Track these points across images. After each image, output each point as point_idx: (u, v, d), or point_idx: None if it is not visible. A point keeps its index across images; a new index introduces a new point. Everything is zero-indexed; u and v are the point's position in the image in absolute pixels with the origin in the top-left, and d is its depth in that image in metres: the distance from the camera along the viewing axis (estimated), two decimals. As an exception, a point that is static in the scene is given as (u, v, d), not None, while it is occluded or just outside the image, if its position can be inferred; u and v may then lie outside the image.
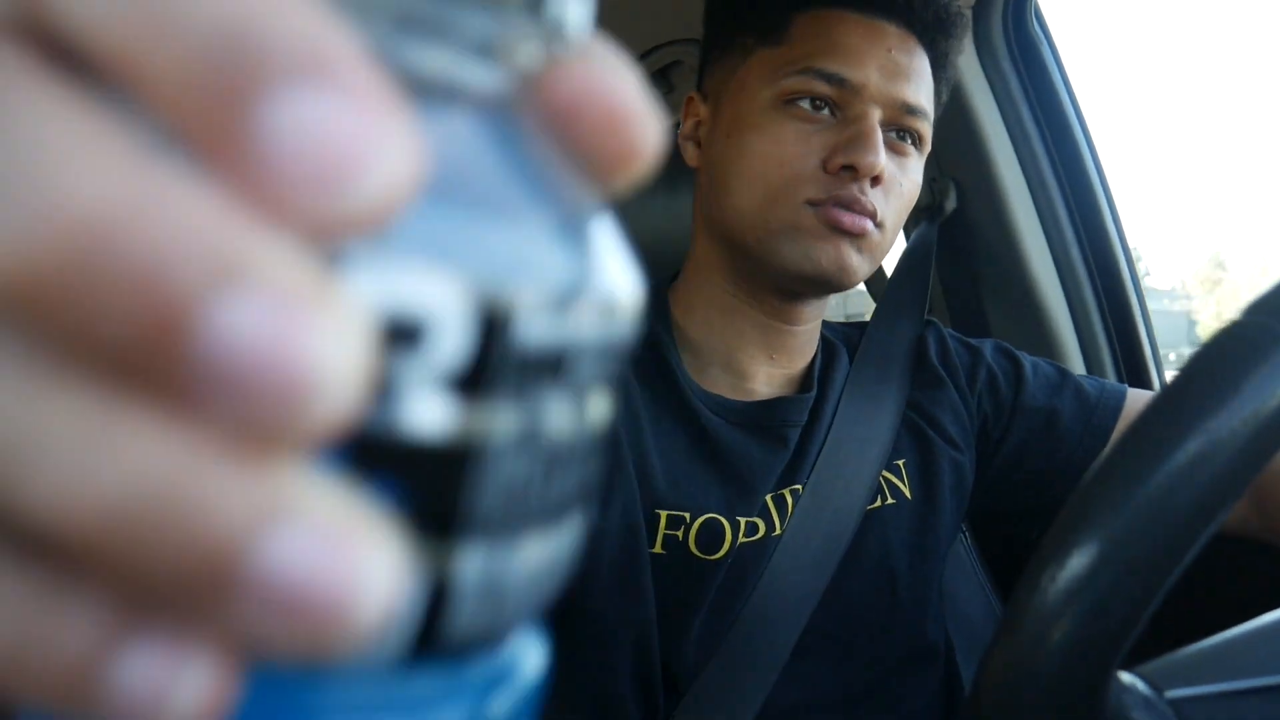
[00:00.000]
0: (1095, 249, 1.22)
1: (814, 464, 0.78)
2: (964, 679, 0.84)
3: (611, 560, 0.71)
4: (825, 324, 0.90)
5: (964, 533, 1.07)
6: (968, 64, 1.21)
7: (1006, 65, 1.21)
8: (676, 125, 0.84)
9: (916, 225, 1.25)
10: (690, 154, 0.82)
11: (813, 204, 0.73)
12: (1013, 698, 0.31)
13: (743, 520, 0.74)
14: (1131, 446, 0.31)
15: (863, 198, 0.72)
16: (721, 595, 0.73)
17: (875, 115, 0.73)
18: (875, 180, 0.73)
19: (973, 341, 0.91)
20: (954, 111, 1.23)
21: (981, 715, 0.31)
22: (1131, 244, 1.25)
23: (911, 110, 0.75)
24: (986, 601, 0.85)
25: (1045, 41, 1.21)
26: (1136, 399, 0.87)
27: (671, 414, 0.77)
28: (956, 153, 1.26)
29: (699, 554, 0.73)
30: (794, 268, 0.74)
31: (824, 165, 0.73)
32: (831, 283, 0.76)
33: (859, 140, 0.71)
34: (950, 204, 1.26)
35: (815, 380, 0.83)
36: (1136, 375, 1.21)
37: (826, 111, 0.73)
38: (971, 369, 0.88)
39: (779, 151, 0.73)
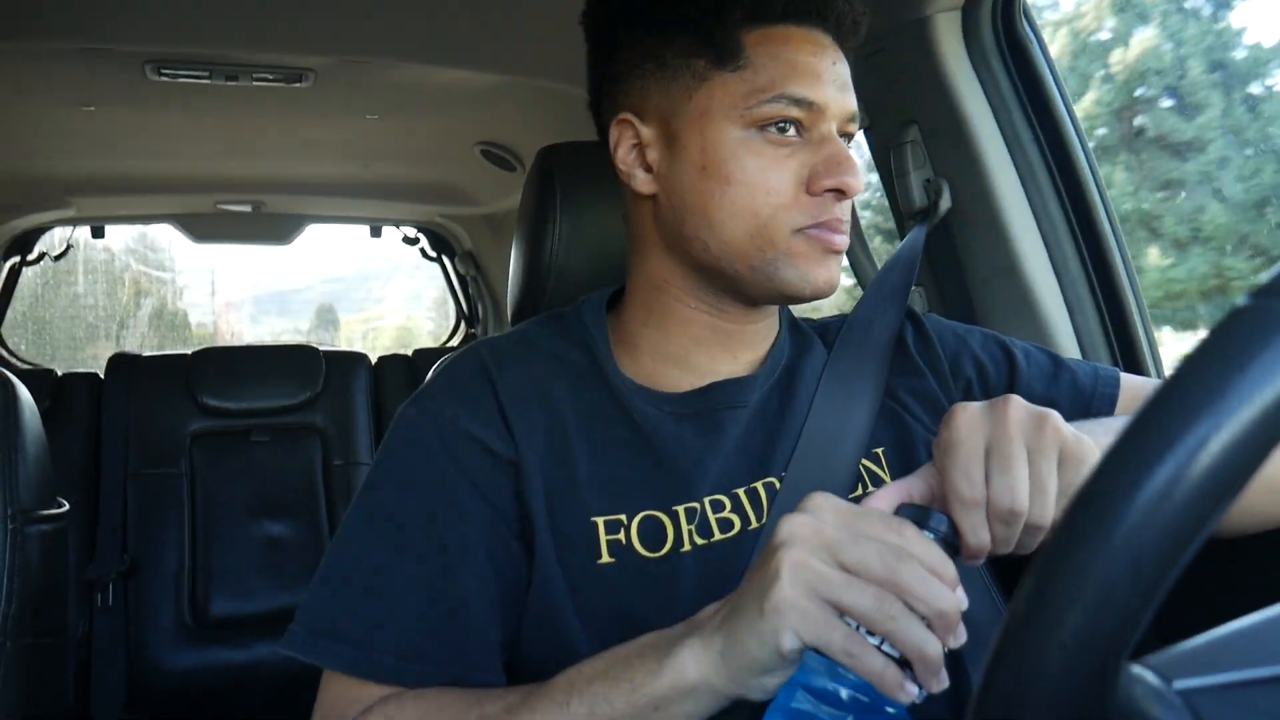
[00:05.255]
0: (1090, 247, 1.22)
1: (790, 456, 0.78)
2: (970, 678, 0.83)
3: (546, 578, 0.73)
4: (801, 319, 0.90)
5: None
6: (959, 65, 1.22)
7: (996, 65, 1.22)
8: None
9: (909, 229, 1.25)
10: (641, 181, 0.80)
11: (801, 230, 0.74)
12: (1022, 689, 0.30)
13: (681, 509, 0.74)
14: (1134, 437, 0.31)
15: (844, 216, 0.76)
16: (706, 593, 0.69)
17: (835, 131, 0.75)
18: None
19: (960, 329, 0.91)
20: (946, 112, 1.23)
21: (992, 707, 0.31)
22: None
23: (854, 118, 0.77)
24: (990, 600, 0.85)
25: (1035, 41, 1.22)
26: (1130, 384, 0.87)
27: (602, 417, 0.78)
28: (949, 153, 1.26)
29: (645, 553, 0.73)
30: (792, 290, 0.76)
31: (805, 187, 0.74)
32: (822, 297, 0.79)
33: (839, 163, 0.73)
34: (945, 204, 1.26)
35: (770, 361, 0.83)
36: (1133, 371, 1.21)
37: (793, 131, 0.74)
38: (956, 357, 0.88)
39: (762, 181, 0.74)
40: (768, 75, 0.74)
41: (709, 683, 0.56)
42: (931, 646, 0.52)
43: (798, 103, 0.73)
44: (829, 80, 0.74)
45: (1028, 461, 0.57)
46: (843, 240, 0.76)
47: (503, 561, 0.73)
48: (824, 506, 0.56)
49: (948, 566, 0.54)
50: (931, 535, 0.56)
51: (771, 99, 0.73)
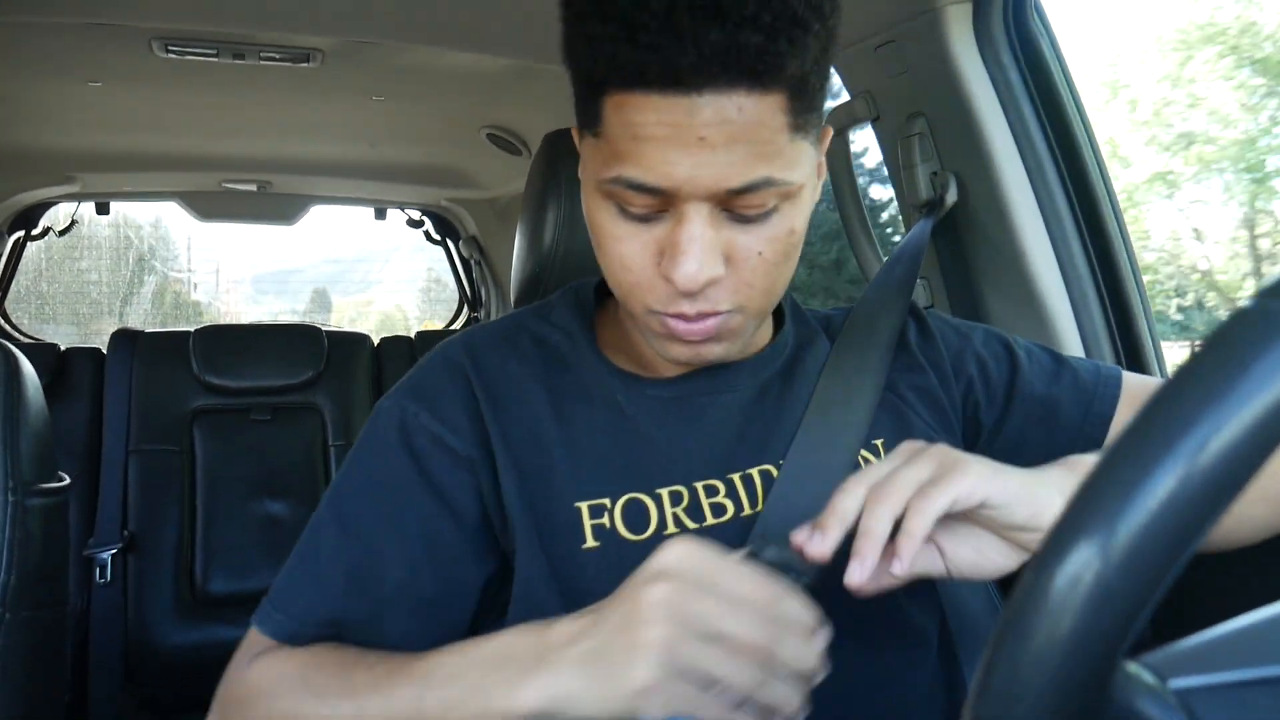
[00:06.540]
0: (1096, 244, 1.22)
1: (789, 444, 0.78)
2: (966, 674, 0.83)
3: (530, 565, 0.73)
4: (806, 310, 0.90)
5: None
6: (968, 57, 1.21)
7: (1007, 58, 1.21)
8: None
9: (915, 220, 1.25)
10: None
11: (656, 312, 0.70)
12: (1017, 690, 0.30)
13: (665, 492, 0.75)
14: (1136, 436, 0.31)
15: (694, 310, 0.67)
16: None
17: (699, 212, 0.64)
18: (710, 281, 0.66)
19: (963, 327, 0.91)
20: (955, 105, 1.23)
21: (986, 708, 0.31)
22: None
23: (743, 191, 0.63)
24: (988, 596, 0.85)
25: (1045, 34, 1.21)
26: (1132, 383, 0.86)
27: (583, 401, 0.78)
28: (957, 146, 1.25)
29: (629, 536, 0.73)
30: (662, 357, 0.75)
31: (659, 267, 0.68)
32: (699, 367, 0.78)
33: (674, 256, 0.65)
34: (951, 197, 1.26)
35: (771, 349, 0.83)
36: (1137, 369, 1.21)
37: (642, 210, 0.66)
38: (959, 354, 0.87)
39: (618, 252, 0.68)
40: (613, 149, 0.64)
41: (560, 714, 0.57)
42: (794, 701, 0.57)
43: (636, 188, 0.64)
44: (686, 159, 0.61)
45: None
46: (691, 332, 0.69)
47: (443, 560, 0.74)
48: (691, 564, 0.57)
49: (811, 618, 0.58)
50: (782, 570, 0.60)
51: (611, 179, 0.65)
